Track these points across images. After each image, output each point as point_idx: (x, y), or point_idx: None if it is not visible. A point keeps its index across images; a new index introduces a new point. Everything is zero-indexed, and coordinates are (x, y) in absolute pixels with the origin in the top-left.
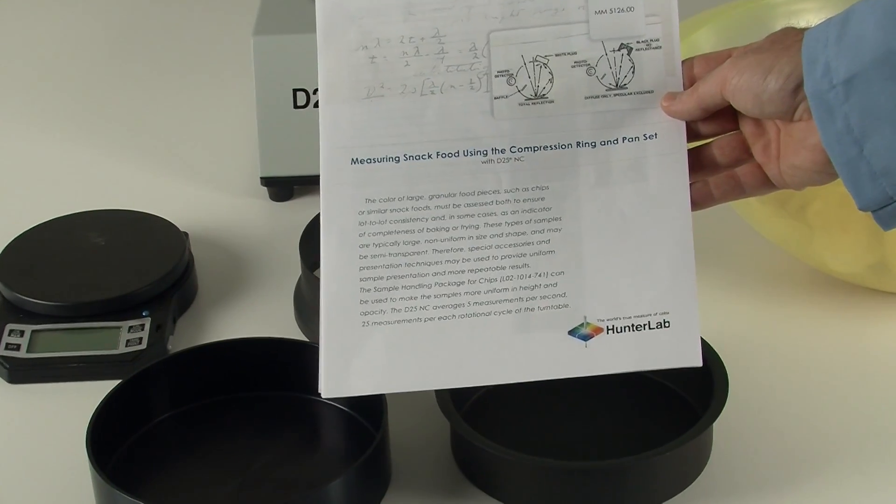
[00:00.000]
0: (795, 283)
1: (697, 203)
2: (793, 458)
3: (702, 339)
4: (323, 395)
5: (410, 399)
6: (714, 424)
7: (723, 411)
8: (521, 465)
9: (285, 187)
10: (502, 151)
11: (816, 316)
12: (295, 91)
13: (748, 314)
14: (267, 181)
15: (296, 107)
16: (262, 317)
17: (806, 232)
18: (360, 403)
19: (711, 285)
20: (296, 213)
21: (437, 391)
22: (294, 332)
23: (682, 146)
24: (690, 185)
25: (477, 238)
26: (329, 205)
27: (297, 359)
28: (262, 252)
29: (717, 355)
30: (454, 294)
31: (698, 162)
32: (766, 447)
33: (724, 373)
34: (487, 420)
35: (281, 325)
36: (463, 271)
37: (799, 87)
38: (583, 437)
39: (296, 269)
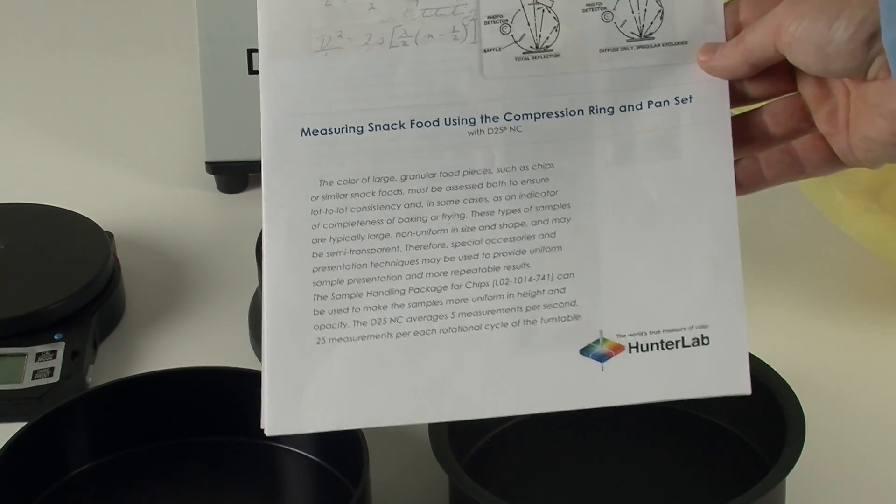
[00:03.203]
0: (890, 296)
1: (745, 185)
2: None
3: (770, 367)
4: (267, 433)
5: (398, 446)
6: (787, 478)
7: (798, 461)
8: None
9: (238, 175)
10: (494, 119)
11: None
12: (250, 52)
13: (829, 336)
14: (214, 167)
15: (251, 72)
16: (209, 340)
17: None
18: (334, 452)
19: (782, 299)
20: (251, 208)
21: (432, 435)
22: (250, 360)
23: (725, 113)
24: (735, 162)
25: (463, 230)
26: (273, 188)
27: (254, 394)
28: (209, 257)
29: (790, 388)
30: (434, 303)
31: (746, 133)
32: None
33: (800, 411)
34: (496, 472)
35: (233, 350)
36: (445, 273)
37: (875, 36)
38: (616, 493)
39: (252, 279)
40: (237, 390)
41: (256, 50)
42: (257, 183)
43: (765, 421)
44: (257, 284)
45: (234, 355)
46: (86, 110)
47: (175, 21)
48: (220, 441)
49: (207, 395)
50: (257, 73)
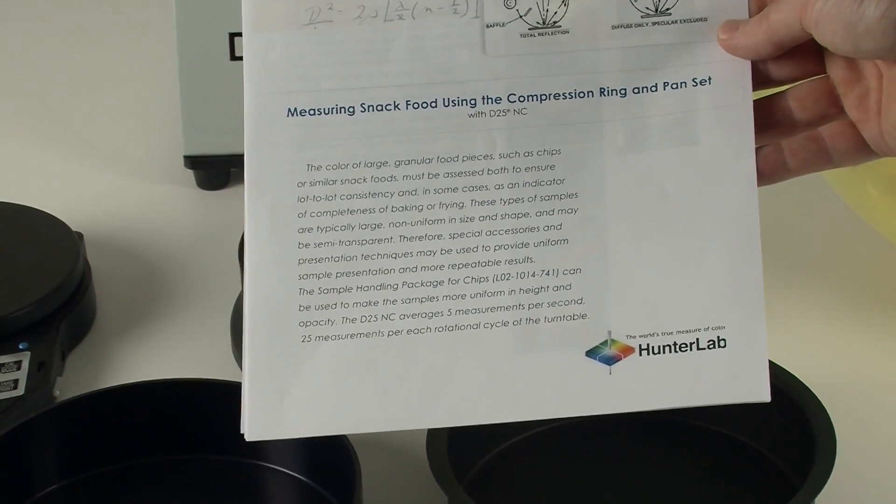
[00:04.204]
0: None
1: (766, 175)
2: None
3: (797, 378)
4: (247, 438)
5: (392, 464)
6: (817, 499)
7: (828, 482)
8: None
9: (218, 171)
10: (497, 101)
11: None
12: (232, 36)
13: (861, 345)
14: (193, 162)
15: (233, 58)
16: (187, 350)
17: None
18: (324, 470)
19: (810, 304)
20: (233, 206)
21: (430, 452)
22: (231, 372)
23: (747, 96)
24: (757, 149)
25: (461, 221)
26: (256, 174)
27: (236, 409)
28: (187, 260)
29: (819, 402)
30: (429, 299)
31: (769, 118)
32: None
33: (830, 426)
34: (499, 494)
35: (213, 361)
36: (442, 267)
37: None
38: None
39: (234, 284)
40: (218, 404)
41: (239, 34)
42: (239, 179)
43: (792, 437)
44: (240, 289)
45: (215, 366)
46: (54, 100)
47: (152, 4)
48: (199, 459)
49: (186, 410)
50: (240, 58)
